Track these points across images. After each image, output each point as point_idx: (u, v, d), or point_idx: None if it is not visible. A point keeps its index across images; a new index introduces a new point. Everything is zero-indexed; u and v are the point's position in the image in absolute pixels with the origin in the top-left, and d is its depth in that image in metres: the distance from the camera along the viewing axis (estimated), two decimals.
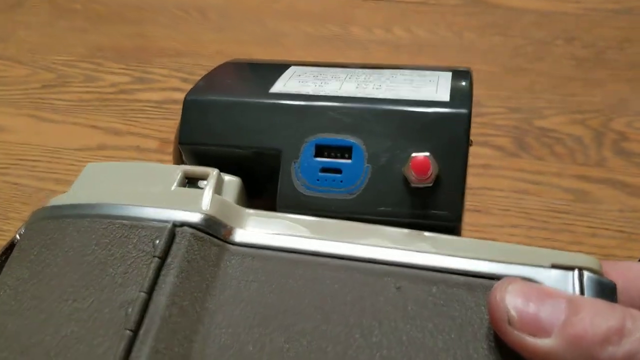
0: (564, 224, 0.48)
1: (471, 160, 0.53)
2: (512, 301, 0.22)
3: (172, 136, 0.56)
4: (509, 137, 0.55)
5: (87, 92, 0.62)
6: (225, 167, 0.28)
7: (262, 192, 0.28)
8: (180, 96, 0.30)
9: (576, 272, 0.23)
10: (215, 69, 0.34)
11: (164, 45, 0.66)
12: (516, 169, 0.52)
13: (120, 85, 0.62)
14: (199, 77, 0.31)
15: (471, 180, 0.51)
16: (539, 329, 0.21)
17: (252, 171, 0.28)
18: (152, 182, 0.27)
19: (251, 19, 0.68)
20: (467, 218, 0.48)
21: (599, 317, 0.21)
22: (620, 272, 0.27)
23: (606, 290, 0.23)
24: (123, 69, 0.64)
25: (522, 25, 0.64)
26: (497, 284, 0.22)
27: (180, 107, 0.28)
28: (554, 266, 0.23)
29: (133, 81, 0.62)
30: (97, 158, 0.55)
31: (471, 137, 0.27)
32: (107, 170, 0.28)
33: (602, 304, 0.22)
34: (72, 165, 0.55)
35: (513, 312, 0.21)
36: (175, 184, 0.26)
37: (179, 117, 0.29)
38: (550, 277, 0.23)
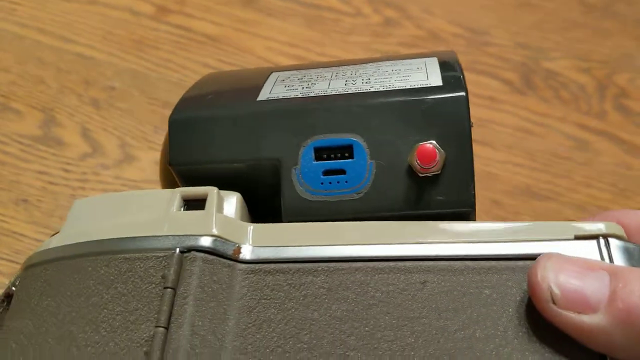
0: (565, 169, 0.48)
1: (478, 90, 0.51)
2: (554, 278, 0.21)
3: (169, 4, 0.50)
4: (516, 72, 0.53)
5: None
6: (223, 184, 0.26)
7: (268, 207, 0.27)
8: None
9: (602, 240, 0.23)
10: (194, 84, 0.32)
11: None
12: (522, 107, 0.51)
13: None
14: None
15: (477, 111, 0.50)
16: (584, 306, 0.20)
17: (253, 186, 0.27)
18: (148, 209, 0.25)
19: None
20: (474, 149, 0.47)
21: None
22: (636, 223, 0.26)
23: (635, 255, 0.23)
24: None
25: None
26: (535, 262, 0.22)
27: None
28: (578, 237, 0.23)
29: None
30: (86, 12, 0.49)
31: (472, 116, 0.26)
32: (97, 204, 0.26)
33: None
34: (58, 17, 0.49)
35: (556, 290, 0.21)
36: (173, 208, 0.24)
37: None
38: (577, 249, 0.23)
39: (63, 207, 0.40)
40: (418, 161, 0.24)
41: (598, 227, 0.23)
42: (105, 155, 0.43)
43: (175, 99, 0.40)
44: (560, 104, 0.52)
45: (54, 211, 0.40)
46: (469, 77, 0.52)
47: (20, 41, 0.47)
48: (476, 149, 0.48)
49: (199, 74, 0.48)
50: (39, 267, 0.24)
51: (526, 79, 0.53)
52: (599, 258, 0.22)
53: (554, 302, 0.21)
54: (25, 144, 0.42)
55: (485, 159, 0.48)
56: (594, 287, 0.20)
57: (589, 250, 0.23)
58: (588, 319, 0.20)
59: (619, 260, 0.22)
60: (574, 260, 0.21)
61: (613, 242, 0.23)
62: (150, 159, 0.43)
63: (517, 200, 0.46)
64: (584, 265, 0.21)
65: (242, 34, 0.52)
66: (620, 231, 0.23)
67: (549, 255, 0.22)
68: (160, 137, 0.44)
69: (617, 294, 0.20)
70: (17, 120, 0.43)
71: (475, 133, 0.48)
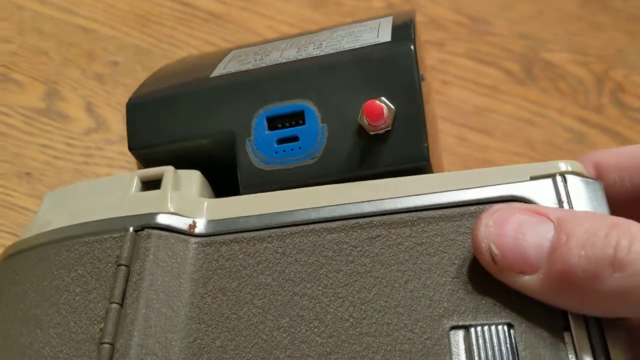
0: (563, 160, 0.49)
1: (479, 78, 0.52)
2: (494, 236, 0.20)
3: None
4: (517, 62, 0.54)
5: None
6: (184, 164, 0.26)
7: (231, 182, 0.27)
8: None
9: (558, 177, 0.22)
10: (156, 71, 0.32)
11: None
12: (522, 97, 0.52)
13: None
14: None
15: (477, 100, 0.50)
16: (525, 265, 0.19)
17: (213, 162, 0.27)
18: (108, 194, 0.25)
19: None
20: (473, 137, 0.48)
21: (589, 245, 0.18)
22: (614, 160, 0.26)
23: (596, 190, 0.22)
24: None
25: None
26: (477, 218, 0.21)
27: None
28: (533, 178, 0.22)
29: None
30: None
31: (423, 73, 0.26)
32: (65, 194, 0.27)
33: (592, 220, 0.19)
34: None
35: (495, 250, 0.20)
36: (132, 190, 0.25)
37: None
38: (531, 191, 0.22)
39: (66, 182, 0.39)
40: (366, 119, 0.24)
41: (555, 165, 0.22)
42: (110, 131, 0.42)
43: None
44: (559, 96, 0.53)
45: (57, 185, 0.39)
46: (471, 65, 0.52)
47: (20, 12, 0.46)
48: (475, 136, 0.48)
49: (201, 51, 0.48)
50: (8, 260, 0.26)
51: (527, 70, 0.54)
52: (554, 198, 0.21)
53: (494, 262, 0.20)
54: (28, 116, 0.41)
55: (483, 147, 0.48)
56: (536, 243, 0.19)
57: (545, 190, 0.22)
58: (529, 280, 0.19)
59: (578, 197, 0.21)
60: (517, 209, 0.20)
61: (571, 179, 0.22)
62: None
63: None
64: (527, 217, 0.20)
65: (245, 13, 0.51)
66: (579, 168, 0.22)
67: (492, 210, 0.20)
68: None
69: (557, 252, 0.19)
70: (19, 92, 0.42)
71: (474, 121, 0.49)
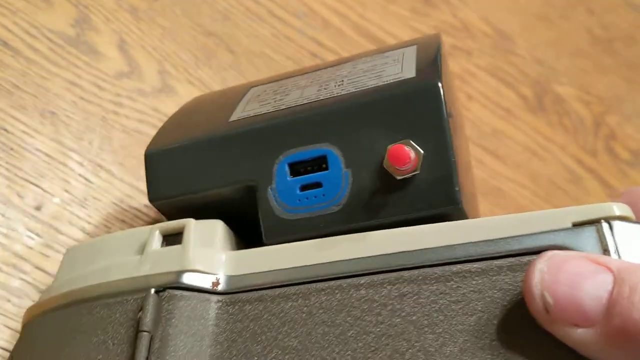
0: (560, 201, 0.50)
1: (498, 99, 0.52)
2: (548, 283, 0.18)
3: None
4: (531, 89, 0.54)
5: None
6: (207, 213, 0.25)
7: (257, 230, 0.25)
8: None
9: (604, 225, 0.20)
10: (174, 113, 0.31)
11: None
12: (532, 127, 0.52)
13: None
14: None
15: (495, 122, 0.50)
16: (580, 317, 0.18)
17: (237, 211, 0.26)
18: (129, 249, 0.25)
19: None
20: (488, 161, 0.48)
21: None
22: (623, 198, 0.24)
23: None
24: None
25: None
26: (530, 265, 0.19)
27: None
28: (576, 224, 0.20)
29: None
30: None
31: (451, 109, 0.25)
32: (85, 250, 0.26)
33: None
34: None
35: (549, 299, 0.18)
36: (152, 246, 0.24)
37: None
38: (574, 240, 0.20)
39: (93, 131, 0.35)
40: (391, 164, 0.23)
41: (599, 210, 0.20)
42: (143, 79, 0.38)
43: (219, 30, 0.37)
44: (562, 132, 0.54)
45: (83, 134, 0.35)
46: (493, 84, 0.52)
47: None
48: (489, 160, 0.49)
49: (243, 6, 0.43)
50: (33, 322, 0.25)
51: (539, 98, 0.54)
52: (599, 248, 0.20)
53: (547, 312, 0.18)
54: (56, 42, 0.36)
55: (496, 173, 0.49)
56: (593, 294, 0.18)
57: (589, 239, 0.20)
58: (583, 334, 0.18)
59: (627, 246, 0.19)
60: (575, 258, 0.19)
61: (618, 225, 0.20)
62: (189, 95, 0.39)
63: None
64: (585, 265, 0.18)
65: None
66: (626, 211, 0.20)
67: (548, 255, 0.19)
68: (200, 73, 0.40)
69: (617, 306, 0.17)
70: (48, 10, 0.36)
71: (489, 142, 0.49)
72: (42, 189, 0.33)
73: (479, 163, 0.48)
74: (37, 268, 0.31)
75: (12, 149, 0.33)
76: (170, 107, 0.38)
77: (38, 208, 0.32)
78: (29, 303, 0.30)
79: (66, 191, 0.33)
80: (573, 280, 0.18)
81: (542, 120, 0.53)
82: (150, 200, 0.26)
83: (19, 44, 0.35)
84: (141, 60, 0.38)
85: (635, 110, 0.59)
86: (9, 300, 0.30)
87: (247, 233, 0.26)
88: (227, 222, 0.26)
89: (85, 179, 0.34)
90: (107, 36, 0.38)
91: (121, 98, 0.37)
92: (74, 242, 0.32)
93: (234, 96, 0.29)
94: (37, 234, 0.31)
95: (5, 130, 0.33)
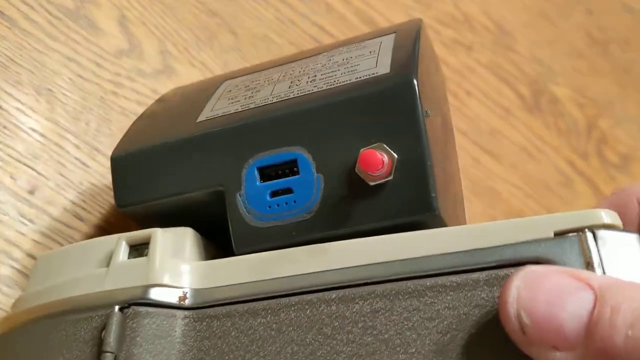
0: (551, 204, 0.50)
1: (496, 97, 0.51)
2: (525, 301, 0.17)
3: None
4: (529, 88, 0.54)
5: None
6: (177, 219, 0.24)
7: (227, 236, 0.25)
8: None
9: (588, 234, 0.18)
10: (144, 111, 0.29)
11: None
12: (528, 127, 0.52)
13: None
14: None
15: (493, 120, 0.50)
16: (559, 339, 0.17)
17: (208, 217, 0.25)
18: (97, 261, 0.24)
19: None
20: (485, 160, 0.47)
21: (638, 324, 0.16)
22: (610, 202, 0.24)
23: (635, 247, 0.19)
24: None
25: None
26: (505, 282, 0.18)
27: None
28: (557, 234, 0.19)
29: None
30: None
31: (428, 109, 0.23)
32: (55, 259, 0.25)
33: (635, 291, 0.17)
34: None
35: (526, 320, 0.17)
36: (118, 257, 0.23)
37: None
38: (556, 251, 0.19)
39: (90, 112, 0.33)
40: (363, 169, 0.22)
41: (582, 217, 0.19)
42: (143, 58, 0.36)
43: (222, 10, 0.36)
44: (557, 134, 0.53)
45: (80, 114, 0.33)
46: (492, 80, 0.51)
47: None
48: (486, 160, 0.48)
49: None
50: (2, 338, 0.24)
51: (535, 98, 0.54)
52: (582, 261, 0.18)
53: (523, 332, 0.17)
54: (54, 15, 0.34)
55: (492, 173, 0.48)
56: (573, 314, 0.17)
57: (571, 250, 0.18)
58: (562, 357, 0.17)
59: (612, 259, 0.18)
60: (554, 273, 0.18)
61: (603, 234, 0.18)
62: (189, 77, 0.37)
63: None
64: (565, 281, 0.17)
65: None
66: (613, 218, 0.19)
67: (525, 270, 0.18)
68: (201, 54, 0.38)
69: (598, 327, 0.16)
70: None
71: (488, 142, 0.49)
72: (36, 171, 0.31)
73: (476, 162, 0.47)
74: (29, 255, 0.29)
75: (5, 127, 0.31)
76: (169, 88, 0.36)
77: (32, 192, 0.30)
78: (18, 293, 0.29)
79: (61, 175, 0.31)
80: (552, 298, 0.17)
81: (538, 120, 0.53)
82: (118, 206, 0.25)
83: (14, 14, 0.33)
84: (142, 38, 0.36)
85: (626, 114, 0.59)
86: None
87: (219, 238, 0.25)
88: (199, 227, 0.25)
89: (82, 162, 0.32)
90: (108, 10, 0.36)
91: (120, 78, 0.35)
92: (67, 229, 0.31)
93: (206, 91, 0.28)
94: (30, 220, 0.30)
95: None
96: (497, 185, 0.48)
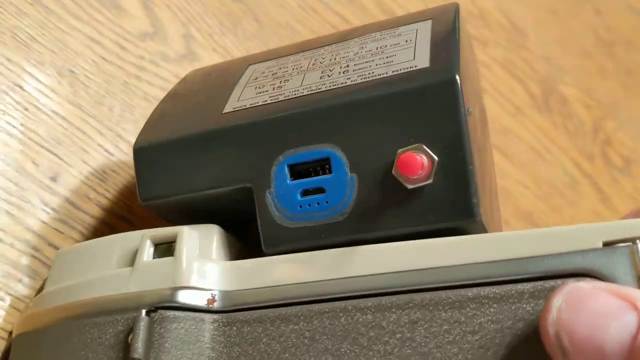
0: (558, 205, 0.50)
1: (509, 95, 0.51)
2: (566, 323, 0.16)
3: None
4: (539, 86, 0.53)
5: None
6: (202, 215, 0.24)
7: (248, 229, 0.24)
8: None
9: (639, 245, 0.18)
10: (166, 95, 0.28)
11: None
12: (538, 126, 0.52)
13: None
14: None
15: (505, 119, 0.49)
16: None
17: (235, 214, 0.24)
18: (119, 259, 0.23)
19: None
20: (497, 159, 0.47)
21: None
22: None
23: None
24: None
25: None
26: (546, 301, 0.17)
27: None
28: (606, 244, 0.18)
29: None
30: None
31: (469, 106, 0.22)
32: (77, 255, 0.24)
33: None
34: None
35: (567, 343, 0.16)
36: (143, 257, 0.22)
37: None
38: (606, 262, 0.18)
39: (114, 96, 0.32)
40: (400, 172, 0.21)
41: (632, 226, 0.18)
42: (167, 42, 0.35)
43: None
44: (565, 134, 0.53)
45: (103, 98, 0.32)
46: (505, 78, 0.51)
47: None
48: (499, 159, 0.48)
49: None
50: (21, 337, 0.23)
51: (545, 97, 0.53)
52: (632, 274, 0.17)
53: (564, 355, 0.16)
54: None
55: (504, 173, 0.48)
56: (615, 339, 0.16)
57: (621, 262, 0.18)
58: None
59: None
60: (599, 292, 0.17)
61: None
62: (212, 63, 0.36)
63: (521, 225, 0.47)
64: (609, 302, 0.16)
65: None
66: None
67: (567, 288, 0.17)
68: (224, 40, 0.37)
69: (639, 355, 0.15)
70: None
71: (501, 141, 0.48)
72: (58, 157, 0.30)
73: None
74: (50, 245, 0.28)
75: (26, 109, 0.29)
76: None
77: (54, 179, 0.29)
78: (39, 283, 0.27)
79: (84, 162, 0.30)
80: (595, 321, 0.16)
81: (548, 120, 0.53)
82: (142, 200, 0.24)
83: None
84: (166, 21, 0.35)
85: (630, 117, 0.59)
86: (20, 280, 0.27)
87: (247, 234, 0.24)
88: (227, 223, 0.24)
89: (105, 149, 0.31)
90: None
91: (144, 62, 0.34)
92: (89, 218, 0.30)
93: (231, 76, 0.27)
94: (52, 208, 0.29)
95: (21, 87, 0.29)
96: (509, 185, 0.48)
